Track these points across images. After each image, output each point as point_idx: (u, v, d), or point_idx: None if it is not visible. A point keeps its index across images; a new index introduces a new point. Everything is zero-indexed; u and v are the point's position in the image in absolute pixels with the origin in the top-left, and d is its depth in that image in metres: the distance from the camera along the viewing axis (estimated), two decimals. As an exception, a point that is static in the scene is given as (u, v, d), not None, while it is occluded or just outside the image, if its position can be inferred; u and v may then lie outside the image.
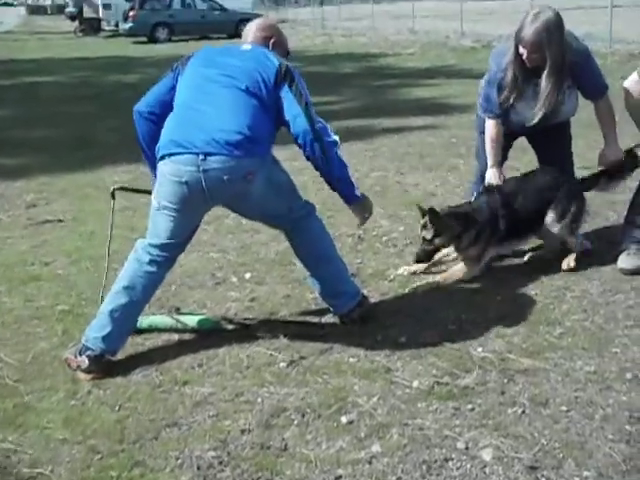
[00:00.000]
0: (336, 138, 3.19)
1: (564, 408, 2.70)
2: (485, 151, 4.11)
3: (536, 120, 3.84)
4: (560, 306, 3.56)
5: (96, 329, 3.08)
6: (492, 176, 4.04)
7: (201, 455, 2.52)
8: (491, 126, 3.98)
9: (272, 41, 3.36)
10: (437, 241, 3.85)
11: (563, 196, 3.94)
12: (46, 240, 4.86)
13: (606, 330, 3.31)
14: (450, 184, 5.77)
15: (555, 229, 3.96)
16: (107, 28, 29.63)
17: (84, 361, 3.02)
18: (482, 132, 4.12)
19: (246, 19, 26.22)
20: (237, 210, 3.36)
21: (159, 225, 3.14)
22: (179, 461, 2.49)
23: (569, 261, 3.98)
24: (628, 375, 2.91)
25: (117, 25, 27.46)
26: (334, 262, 3.42)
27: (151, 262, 3.14)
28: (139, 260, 3.15)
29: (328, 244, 3.42)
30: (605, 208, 4.95)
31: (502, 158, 4.15)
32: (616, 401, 2.75)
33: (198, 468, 2.45)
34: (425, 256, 3.94)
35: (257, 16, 21.44)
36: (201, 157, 2.93)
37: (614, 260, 3.99)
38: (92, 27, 30.19)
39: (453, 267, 3.95)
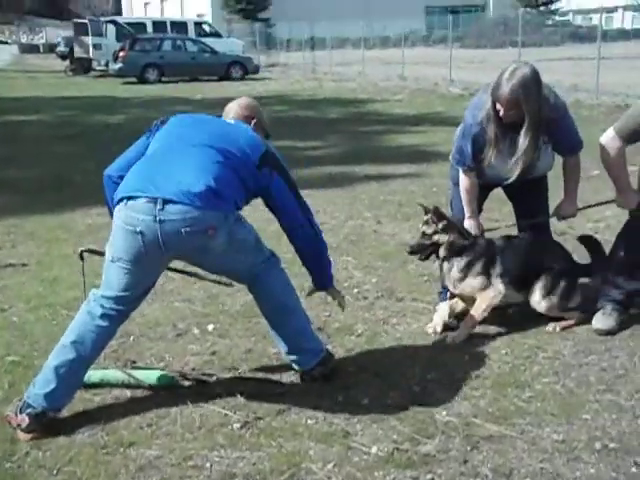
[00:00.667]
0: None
1: (528, 481, 2.56)
2: (459, 201, 4.02)
3: (514, 177, 3.77)
4: (531, 367, 3.43)
5: (40, 385, 2.91)
6: (470, 227, 3.95)
7: (139, 527, 2.35)
8: (465, 178, 3.90)
9: (254, 122, 3.35)
10: (436, 237, 3.84)
11: (552, 269, 3.85)
12: (6, 285, 4.71)
13: (577, 395, 3.17)
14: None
15: (542, 307, 3.85)
16: (98, 68, 29.69)
17: (24, 420, 2.85)
18: (456, 183, 4.04)
19: (237, 62, 26.63)
20: (195, 264, 3.24)
21: (112, 278, 2.99)
22: (114, 534, 2.32)
23: (556, 326, 3.86)
24: (597, 445, 2.77)
25: (107, 65, 27.54)
26: (297, 316, 3.27)
27: (103, 316, 2.98)
28: (90, 313, 3.00)
29: (291, 298, 3.27)
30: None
31: (478, 210, 4.07)
32: (583, 474, 2.61)
33: (134, 542, 2.28)
34: (419, 249, 3.92)
35: (248, 59, 21.83)
36: (159, 206, 2.80)
37: (590, 319, 3.87)
38: (82, 66, 30.28)
39: (478, 299, 3.82)
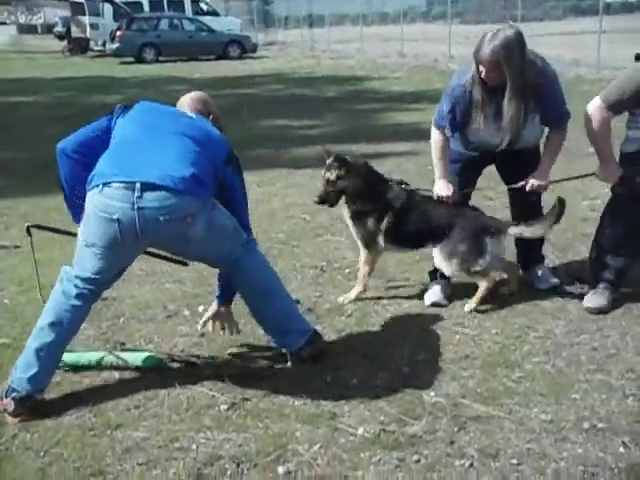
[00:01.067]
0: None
1: (515, 461, 2.55)
2: (453, 181, 3.98)
3: (505, 144, 3.71)
4: (521, 347, 3.42)
5: (21, 369, 2.91)
6: (441, 188, 3.90)
7: (123, 509, 2.35)
8: (437, 137, 3.88)
9: (211, 117, 3.35)
10: (340, 183, 3.83)
11: (453, 233, 3.81)
12: (-1, 268, 4.69)
13: (567, 374, 3.16)
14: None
15: (447, 270, 3.86)
16: (95, 48, 29.50)
17: (10, 404, 2.84)
18: (452, 161, 3.98)
19: (235, 41, 26.39)
20: (173, 251, 3.24)
21: (86, 261, 2.95)
22: (98, 516, 2.32)
23: (471, 303, 3.85)
24: (585, 425, 2.77)
25: (105, 45, 27.36)
26: (279, 298, 3.24)
27: (77, 296, 2.96)
28: (65, 293, 2.97)
29: (271, 280, 3.25)
30: (577, 242, 4.84)
31: (471, 185, 4.05)
32: (571, 454, 2.60)
33: (118, 525, 2.28)
34: (326, 197, 3.93)
35: (246, 38, 21.52)
36: (137, 193, 2.77)
37: (582, 298, 3.85)
38: (80, 47, 30.05)
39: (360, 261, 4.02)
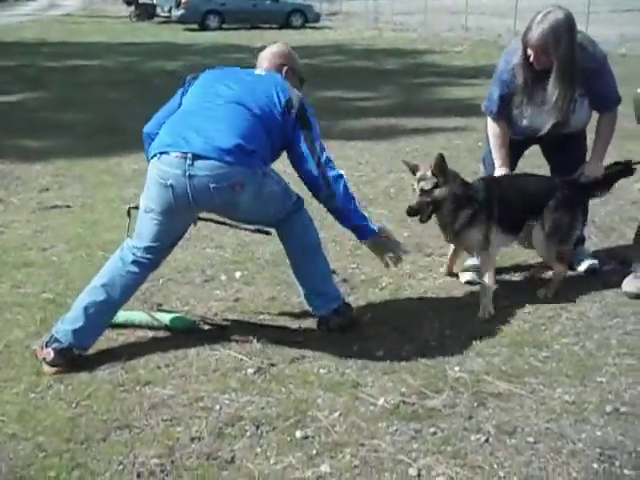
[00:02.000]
0: (341, 172, 3.21)
1: (531, 439, 2.55)
2: (491, 158, 3.94)
3: (546, 129, 3.65)
4: (552, 327, 3.39)
5: (68, 322, 3.04)
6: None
7: (145, 461, 2.44)
8: (493, 125, 3.82)
9: (285, 69, 3.36)
10: (437, 193, 3.46)
11: (553, 210, 3.62)
12: (49, 225, 4.87)
13: (595, 357, 3.13)
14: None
15: (541, 250, 3.72)
16: (161, 14, 29.81)
17: (49, 354, 2.98)
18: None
19: (298, 10, 26.31)
20: (224, 216, 3.31)
21: (144, 228, 3.09)
22: (121, 466, 2.42)
23: (545, 290, 3.72)
24: (608, 408, 2.74)
25: (170, 11, 27.59)
26: (318, 259, 3.33)
27: (134, 262, 3.09)
28: (122, 259, 3.10)
29: (314, 240, 3.32)
30: (622, 224, 4.74)
31: (512, 167, 3.97)
32: (589, 436, 2.58)
33: (138, 475, 2.38)
34: (420, 209, 3.52)
35: (309, 7, 21.43)
36: (189, 162, 2.88)
37: (620, 281, 3.79)
38: (147, 12, 30.45)
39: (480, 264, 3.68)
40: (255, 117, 3.05)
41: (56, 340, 3.01)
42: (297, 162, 3.18)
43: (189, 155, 2.88)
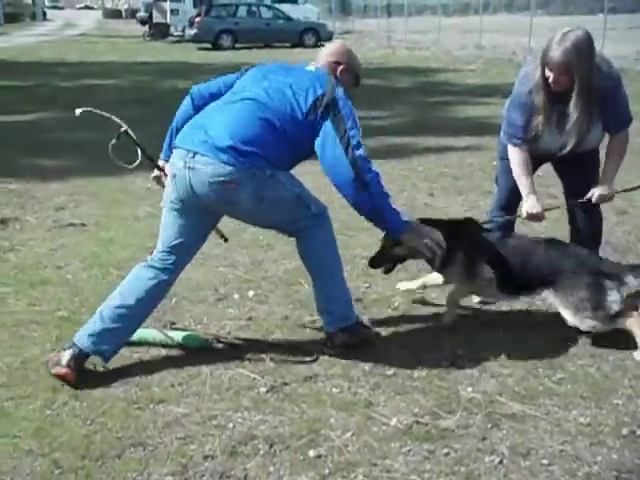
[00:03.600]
0: (376, 170, 3.05)
1: (546, 461, 2.54)
2: (504, 177, 3.94)
3: (567, 149, 3.64)
4: (567, 348, 3.38)
5: (87, 328, 3.08)
6: (531, 205, 3.66)
7: (159, 479, 2.45)
8: (517, 153, 3.72)
9: (341, 68, 3.33)
10: (397, 250, 3.49)
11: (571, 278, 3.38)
12: (64, 244, 4.91)
13: (611, 379, 3.11)
14: (479, 209, 5.59)
15: (585, 325, 3.37)
16: (175, 33, 30.16)
17: (64, 355, 3.00)
18: (503, 158, 3.95)
19: (311, 29, 26.52)
20: (236, 217, 3.29)
21: (162, 231, 3.22)
22: (135, 484, 2.44)
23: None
24: (624, 431, 2.73)
25: (184, 30, 27.91)
26: (334, 278, 3.32)
27: (153, 267, 3.17)
28: (144, 265, 3.20)
29: (332, 259, 3.31)
30: (639, 244, 4.72)
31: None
32: (605, 459, 2.57)
33: (152, 493, 2.39)
34: (379, 262, 3.58)
35: (322, 26, 21.50)
36: (190, 155, 3.01)
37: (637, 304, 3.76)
38: (160, 32, 30.80)
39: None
40: (269, 116, 3.04)
41: (73, 344, 3.05)
42: (322, 151, 3.05)
43: (191, 150, 3.02)
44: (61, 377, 3.00)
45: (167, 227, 3.20)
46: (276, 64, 3.42)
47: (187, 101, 3.36)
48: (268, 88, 3.13)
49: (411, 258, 3.64)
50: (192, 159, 2.99)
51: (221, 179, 2.97)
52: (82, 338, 3.05)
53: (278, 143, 3.06)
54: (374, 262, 3.60)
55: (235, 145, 2.97)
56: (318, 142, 3.06)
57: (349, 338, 3.31)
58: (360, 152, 3.02)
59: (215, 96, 3.28)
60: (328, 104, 3.04)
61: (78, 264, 4.52)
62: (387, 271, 3.64)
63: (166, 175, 3.30)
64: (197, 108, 3.29)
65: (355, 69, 3.40)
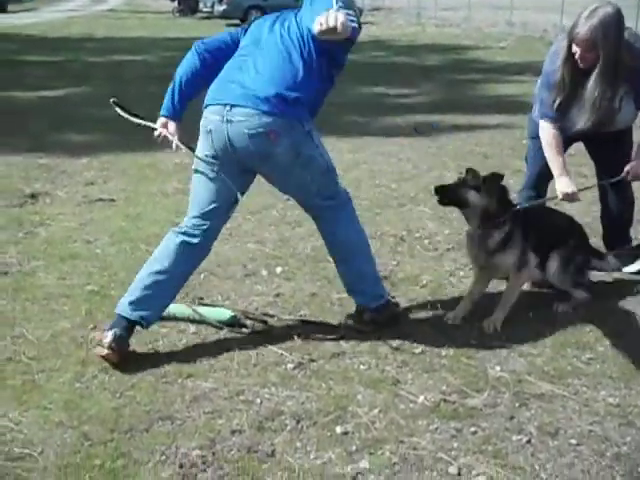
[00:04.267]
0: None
1: (574, 441, 2.53)
2: (535, 156, 3.90)
3: (585, 126, 3.55)
4: (597, 329, 3.34)
5: (127, 296, 3.09)
6: (565, 185, 3.56)
7: (187, 452, 2.48)
8: (547, 131, 3.66)
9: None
10: (471, 194, 3.30)
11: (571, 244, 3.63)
12: (93, 218, 4.95)
13: (640, 359, 3.08)
14: (510, 188, 5.50)
15: (558, 280, 3.60)
16: (204, 9, 30.02)
17: (107, 336, 3.00)
18: (533, 137, 3.90)
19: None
20: (265, 175, 3.20)
21: (195, 190, 3.17)
22: (163, 457, 2.46)
23: (564, 306, 3.58)
24: (654, 411, 2.70)
25: (213, 6, 27.76)
26: (359, 259, 3.30)
27: (187, 233, 3.13)
28: (177, 230, 3.17)
29: (356, 239, 3.28)
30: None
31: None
32: (634, 439, 2.54)
33: (180, 466, 2.42)
34: (447, 192, 3.40)
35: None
36: (227, 108, 2.96)
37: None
38: (189, 8, 30.72)
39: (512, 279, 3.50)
40: (298, 57, 3.00)
41: (115, 320, 3.04)
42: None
43: (228, 104, 2.96)
44: (103, 358, 3.01)
45: (199, 191, 3.15)
46: (270, 16, 3.28)
47: (192, 55, 3.21)
48: (283, 31, 3.07)
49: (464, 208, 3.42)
50: (230, 112, 2.94)
51: (261, 130, 2.92)
52: (123, 306, 3.06)
53: (312, 88, 3.02)
54: (442, 190, 3.42)
55: (279, 92, 2.92)
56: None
57: (377, 316, 3.30)
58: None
59: (222, 50, 3.20)
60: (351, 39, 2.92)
61: (107, 239, 4.56)
62: (443, 204, 3.50)
63: (171, 134, 3.21)
64: (203, 62, 3.18)
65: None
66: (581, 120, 3.55)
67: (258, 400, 2.79)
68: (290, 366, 3.02)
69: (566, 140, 3.84)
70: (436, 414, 2.69)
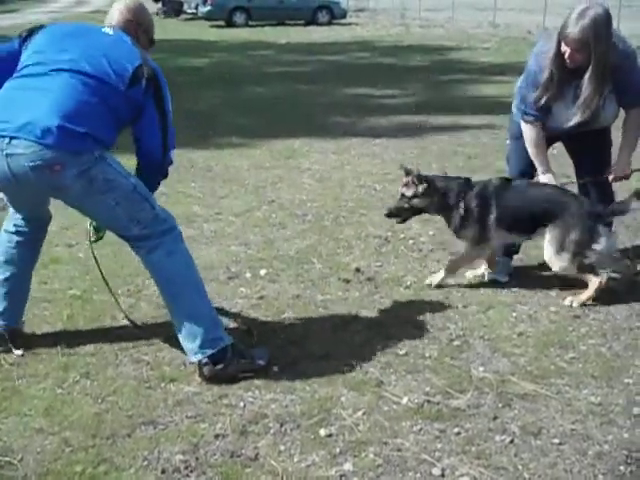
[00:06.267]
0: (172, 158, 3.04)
1: (556, 440, 2.53)
2: (516, 157, 3.92)
3: (572, 124, 3.60)
4: (579, 328, 3.36)
5: None
6: (550, 181, 3.72)
7: (169, 458, 2.47)
8: (530, 130, 3.72)
9: (140, 29, 3.10)
10: (415, 202, 3.75)
11: (563, 220, 3.57)
12: (76, 223, 4.89)
13: (622, 358, 3.09)
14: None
15: (559, 264, 3.62)
16: (188, 11, 29.90)
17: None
18: (515, 137, 3.92)
19: (324, 6, 26.22)
20: (73, 207, 3.01)
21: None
22: (146, 462, 2.45)
23: (578, 298, 3.59)
24: (635, 410, 2.71)
25: (197, 8, 27.66)
26: (189, 294, 2.96)
27: (17, 232, 3.19)
28: (7, 230, 3.21)
29: (185, 274, 2.98)
30: (652, 223, 4.67)
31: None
32: (615, 438, 2.55)
33: (163, 471, 2.40)
34: (397, 212, 3.84)
35: (335, 4, 21.04)
36: (6, 140, 2.71)
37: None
38: (174, 9, 30.55)
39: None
40: (93, 91, 2.79)
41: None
42: (144, 133, 2.90)
43: (7, 136, 2.70)
44: None
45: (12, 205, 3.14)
46: (67, 24, 3.16)
47: None
48: (80, 57, 2.83)
49: (426, 212, 3.88)
50: (9, 145, 2.69)
51: (42, 163, 2.68)
52: None
53: (107, 117, 2.81)
54: (391, 213, 3.85)
55: (63, 124, 2.68)
56: (140, 124, 2.89)
57: (220, 370, 2.90)
58: (170, 153, 2.99)
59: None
60: (149, 78, 2.84)
61: (88, 243, 4.50)
62: (402, 221, 3.93)
63: None
64: None
65: (151, 30, 3.18)
66: (569, 118, 3.58)
67: (242, 404, 2.77)
68: (274, 369, 3.01)
69: (547, 139, 3.87)
70: (420, 415, 2.69)
